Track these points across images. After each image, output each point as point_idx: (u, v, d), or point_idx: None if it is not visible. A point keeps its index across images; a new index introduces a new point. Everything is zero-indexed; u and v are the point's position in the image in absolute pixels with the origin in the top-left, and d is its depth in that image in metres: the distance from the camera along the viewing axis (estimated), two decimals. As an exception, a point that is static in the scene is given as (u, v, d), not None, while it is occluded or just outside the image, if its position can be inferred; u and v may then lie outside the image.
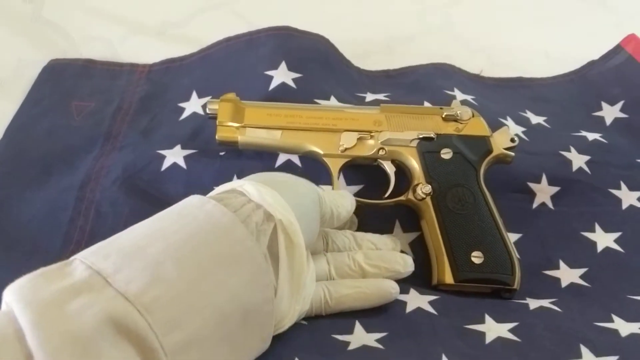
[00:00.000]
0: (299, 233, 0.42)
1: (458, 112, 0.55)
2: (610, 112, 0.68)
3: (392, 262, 0.49)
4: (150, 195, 0.57)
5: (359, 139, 0.55)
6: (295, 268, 0.42)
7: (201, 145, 0.60)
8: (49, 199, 0.57)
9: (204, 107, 0.63)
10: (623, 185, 0.60)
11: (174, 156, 0.59)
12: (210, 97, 0.64)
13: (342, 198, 0.49)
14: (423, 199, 0.53)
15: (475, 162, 0.54)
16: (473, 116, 0.56)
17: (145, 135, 0.62)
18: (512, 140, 0.55)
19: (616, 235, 0.57)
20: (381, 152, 0.55)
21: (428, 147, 0.54)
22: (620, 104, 0.68)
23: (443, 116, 0.55)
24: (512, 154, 0.55)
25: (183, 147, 0.60)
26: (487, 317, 0.48)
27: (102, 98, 0.66)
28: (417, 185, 0.54)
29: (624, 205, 0.59)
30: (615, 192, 0.60)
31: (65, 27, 0.74)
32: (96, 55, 0.71)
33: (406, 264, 0.50)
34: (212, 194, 0.44)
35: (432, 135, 0.55)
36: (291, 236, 0.41)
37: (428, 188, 0.53)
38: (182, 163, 0.58)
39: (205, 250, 0.37)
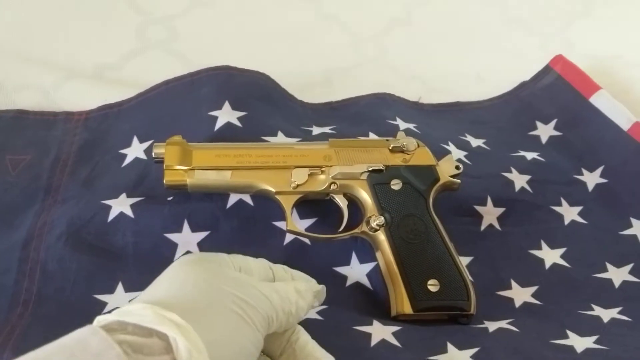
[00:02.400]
0: None
1: (404, 143, 0.57)
2: (545, 131, 0.71)
3: None
4: (98, 248, 0.55)
5: (310, 174, 0.55)
6: None
7: (147, 191, 0.59)
8: None
9: (147, 151, 0.62)
10: (564, 202, 0.63)
11: (120, 205, 0.57)
12: (152, 141, 0.62)
13: (301, 299, 0.43)
14: (377, 230, 0.54)
15: (424, 192, 0.55)
16: (418, 146, 0.57)
17: (87, 186, 0.60)
18: (457, 167, 0.57)
19: (562, 250, 0.59)
20: (333, 187, 0.55)
21: (378, 179, 0.55)
22: (553, 123, 0.71)
23: (390, 148, 0.56)
24: (458, 180, 0.57)
25: (129, 195, 0.58)
26: (449, 346, 0.48)
27: (38, 150, 0.64)
28: (370, 217, 0.54)
29: (566, 221, 0.62)
30: (557, 208, 0.62)
31: (-5, 75, 0.71)
32: (31, 103, 0.69)
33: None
34: (130, 315, 0.34)
35: (381, 167, 0.55)
36: None
37: (381, 220, 0.54)
38: (129, 212, 0.57)
39: None
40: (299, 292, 0.43)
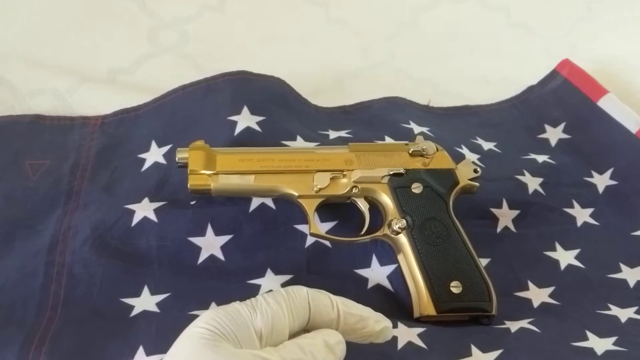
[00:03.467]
0: None
1: (424, 147, 0.58)
2: (554, 134, 0.72)
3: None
4: (123, 252, 0.55)
5: (332, 178, 0.56)
6: None
7: (169, 195, 0.59)
8: (16, 266, 0.54)
9: (166, 156, 0.62)
10: (575, 204, 0.64)
11: (144, 210, 0.58)
12: (170, 145, 0.63)
13: (329, 353, 0.41)
14: (399, 233, 0.55)
15: (444, 195, 0.56)
16: (437, 150, 0.58)
17: (108, 191, 0.61)
18: (475, 170, 0.58)
19: (576, 252, 0.61)
20: (354, 190, 0.56)
21: (399, 183, 0.56)
22: (562, 126, 0.72)
23: (410, 152, 0.57)
24: (477, 184, 0.58)
25: (151, 200, 0.59)
26: (473, 348, 0.49)
27: (56, 155, 0.64)
28: (392, 220, 0.55)
29: (579, 223, 0.63)
30: (569, 210, 0.64)
31: (11, 80, 0.71)
32: (47, 107, 0.69)
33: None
34: None
35: (401, 171, 0.56)
36: None
37: (403, 223, 0.54)
38: (152, 216, 0.57)
39: None
40: (328, 347, 0.41)
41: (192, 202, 0.58)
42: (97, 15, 0.80)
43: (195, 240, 0.56)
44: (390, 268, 0.57)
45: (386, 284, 0.57)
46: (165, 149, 0.63)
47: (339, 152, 0.57)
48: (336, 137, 0.65)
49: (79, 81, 0.72)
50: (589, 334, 0.52)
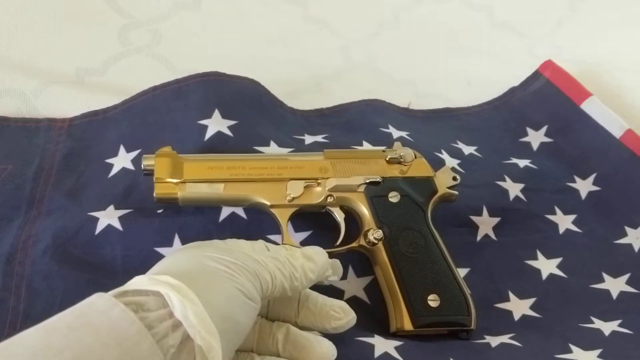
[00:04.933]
0: (219, 358, 0.37)
1: (401, 154, 0.55)
2: (535, 138, 0.71)
3: (307, 351, 0.45)
4: (86, 263, 0.53)
5: (306, 187, 0.54)
6: None
7: (136, 203, 0.57)
8: None
9: (134, 161, 0.60)
10: (558, 210, 0.63)
11: (108, 218, 0.55)
12: (139, 150, 0.60)
13: (308, 262, 0.46)
14: (375, 244, 0.53)
15: (423, 204, 0.54)
16: (416, 157, 0.56)
17: (73, 198, 0.58)
18: (455, 178, 0.56)
19: (558, 260, 0.59)
20: (329, 199, 0.54)
21: (376, 192, 0.54)
22: (544, 129, 0.71)
23: (387, 159, 0.55)
24: (456, 192, 0.56)
25: (117, 207, 0.56)
26: (452, 363, 0.48)
27: (20, 159, 0.61)
28: (368, 230, 0.53)
29: (561, 230, 0.61)
30: (551, 217, 0.62)
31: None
32: (11, 109, 0.66)
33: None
34: (129, 286, 0.38)
35: (378, 179, 0.54)
36: None
37: (379, 233, 0.52)
38: (117, 224, 0.55)
39: None
40: (306, 256, 0.46)
41: (160, 211, 0.56)
42: (66, 13, 0.76)
43: (163, 250, 0.54)
44: (367, 280, 0.55)
45: (362, 296, 0.55)
46: (134, 154, 0.61)
47: (313, 159, 0.55)
48: (312, 142, 0.63)
49: (45, 82, 0.69)
50: (573, 347, 0.50)
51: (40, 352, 0.33)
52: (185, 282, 0.37)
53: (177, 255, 0.44)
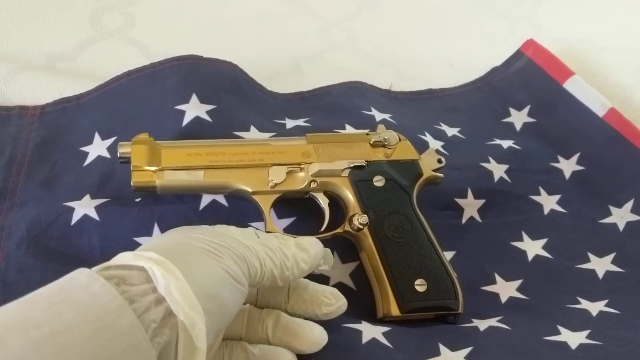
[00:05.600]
0: (203, 336, 0.36)
1: (385, 137, 0.54)
2: (518, 118, 0.70)
3: (298, 336, 0.45)
4: (62, 254, 0.52)
5: (289, 172, 0.52)
6: None
7: (112, 192, 0.55)
8: None
9: (110, 149, 0.58)
10: (542, 191, 0.62)
11: (84, 207, 0.54)
12: (115, 137, 0.59)
13: (301, 252, 0.45)
14: (360, 229, 0.52)
15: (408, 187, 0.53)
16: (400, 140, 0.55)
17: (47, 187, 0.56)
18: (440, 161, 0.55)
19: (543, 241, 0.59)
20: (313, 185, 0.53)
21: (360, 176, 0.53)
22: (527, 109, 0.70)
23: (371, 142, 0.54)
24: (442, 175, 0.55)
25: (93, 197, 0.55)
26: (441, 347, 0.47)
27: None
28: (353, 216, 0.52)
29: (546, 211, 0.61)
30: (536, 198, 0.62)
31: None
32: (-20, 98, 0.64)
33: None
34: (113, 261, 0.38)
35: (362, 163, 0.53)
36: (193, 339, 0.36)
37: (365, 218, 0.51)
38: (93, 214, 0.53)
39: (76, 351, 0.31)
40: (299, 246, 0.46)
41: (138, 200, 0.54)
42: (35, -4, 0.74)
43: (142, 240, 0.52)
44: (353, 265, 0.54)
45: (349, 282, 0.54)
46: (110, 141, 0.59)
47: (295, 144, 0.54)
48: (293, 126, 0.61)
49: (15, 69, 0.67)
50: (561, 329, 0.50)
51: (18, 326, 0.32)
52: (170, 260, 0.37)
53: (163, 236, 0.44)
